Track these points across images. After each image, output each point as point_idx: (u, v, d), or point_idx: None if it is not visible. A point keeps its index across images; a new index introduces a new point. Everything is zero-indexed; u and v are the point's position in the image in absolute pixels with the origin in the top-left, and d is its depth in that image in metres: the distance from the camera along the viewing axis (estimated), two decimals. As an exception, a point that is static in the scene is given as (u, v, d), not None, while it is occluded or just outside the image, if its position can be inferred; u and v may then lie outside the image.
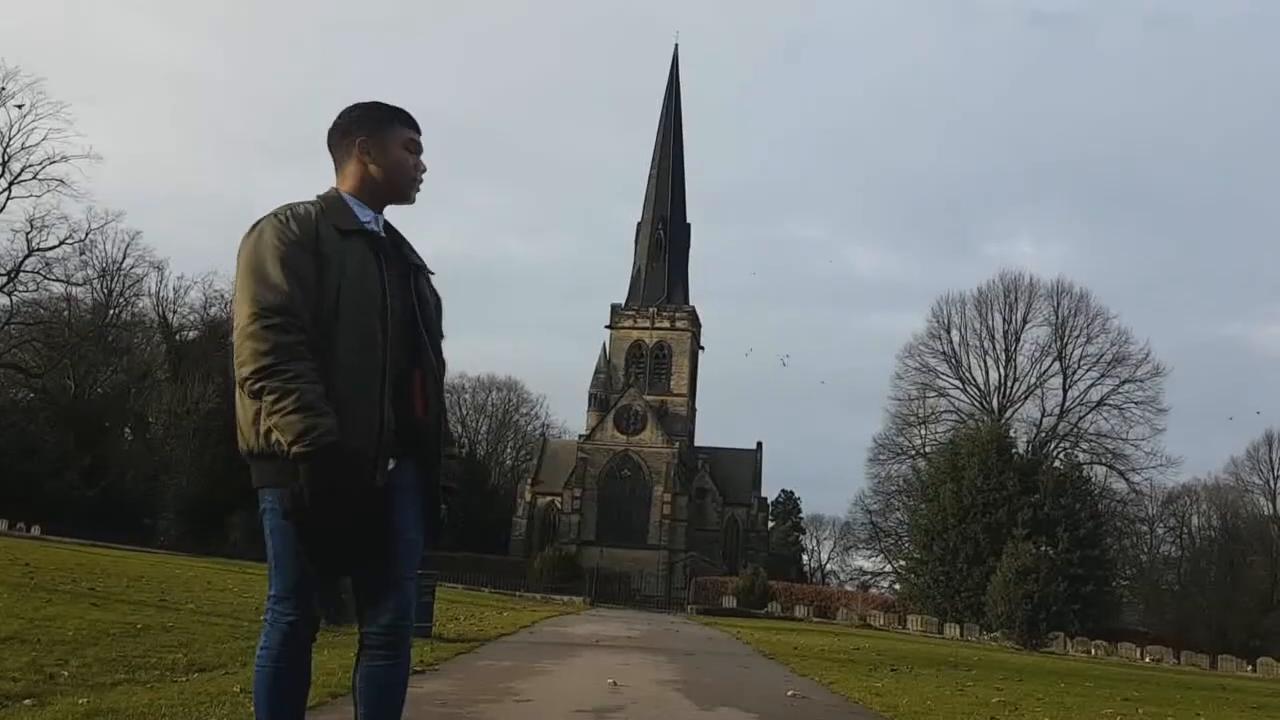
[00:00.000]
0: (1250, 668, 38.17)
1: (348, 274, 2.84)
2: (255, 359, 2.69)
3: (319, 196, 3.05)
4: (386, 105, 3.13)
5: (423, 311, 3.02)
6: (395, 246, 3.08)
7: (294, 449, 2.63)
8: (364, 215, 3.02)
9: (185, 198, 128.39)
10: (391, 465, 2.86)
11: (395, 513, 2.87)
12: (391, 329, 2.88)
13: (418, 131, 3.15)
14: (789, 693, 9.09)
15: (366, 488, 2.72)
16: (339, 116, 3.15)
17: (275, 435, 2.67)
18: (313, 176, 3.08)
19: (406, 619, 2.95)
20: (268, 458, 2.77)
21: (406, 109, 3.16)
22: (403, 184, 3.11)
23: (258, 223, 2.91)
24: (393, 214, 3.18)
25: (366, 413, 2.79)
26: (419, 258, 3.16)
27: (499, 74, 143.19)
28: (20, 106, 50.58)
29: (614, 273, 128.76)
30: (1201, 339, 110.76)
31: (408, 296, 2.98)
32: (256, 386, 2.68)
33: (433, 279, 3.21)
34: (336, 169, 3.13)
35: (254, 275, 2.78)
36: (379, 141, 3.07)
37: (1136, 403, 58.34)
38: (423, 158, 3.18)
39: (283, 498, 2.70)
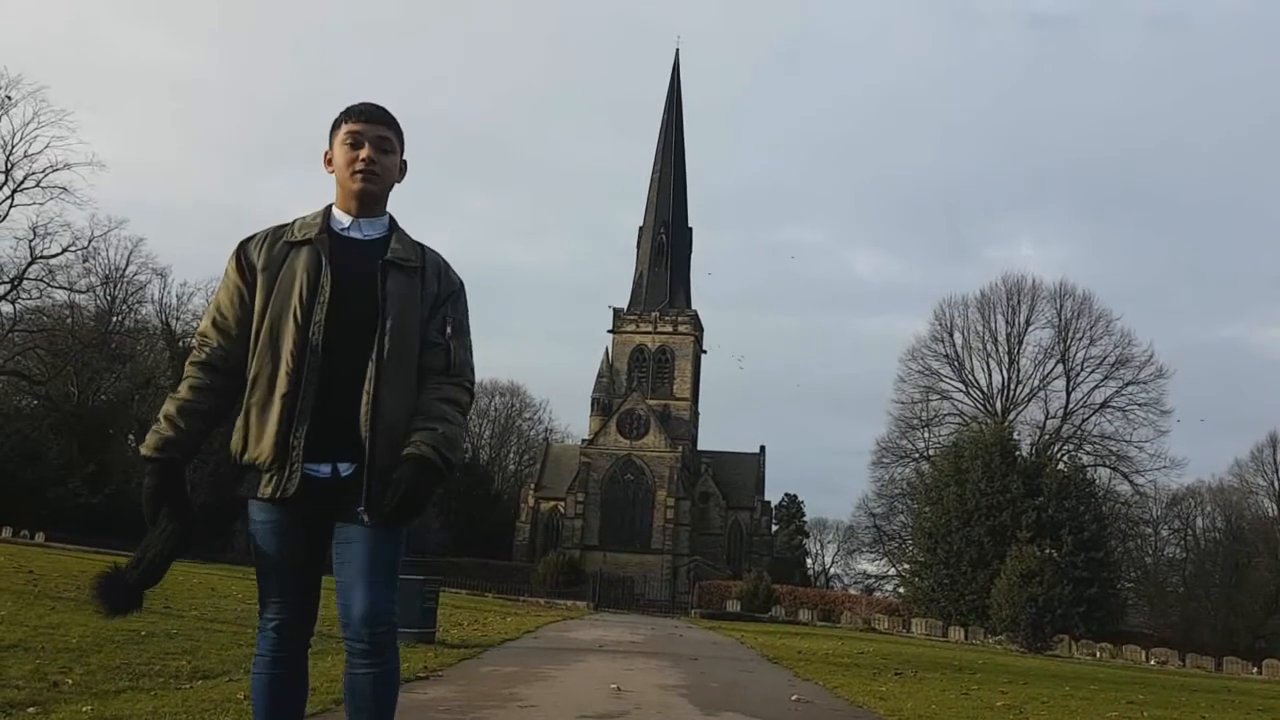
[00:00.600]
0: (1256, 670, 38.06)
1: (279, 286, 2.93)
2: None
3: (314, 211, 3.13)
4: (345, 109, 3.11)
5: (387, 308, 2.93)
6: (373, 246, 3.03)
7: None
8: (340, 222, 3.05)
9: (187, 204, 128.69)
10: (349, 471, 2.87)
11: (349, 518, 2.89)
12: (331, 332, 2.88)
13: (361, 121, 3.05)
14: (793, 697, 9.08)
15: (174, 505, 2.89)
16: None
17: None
18: (313, 181, 3.10)
19: (379, 624, 2.89)
20: (239, 469, 2.97)
21: (365, 102, 3.11)
22: (346, 181, 3.05)
23: None
24: (403, 216, 3.15)
25: (268, 421, 2.87)
26: (409, 251, 3.06)
27: (499, 79, 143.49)
28: (9, 98, 50.47)
29: (616, 277, 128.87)
30: (1202, 341, 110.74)
31: (366, 296, 2.92)
32: None
33: (435, 267, 3.11)
34: None
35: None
36: (331, 146, 3.11)
37: (1140, 405, 58.31)
38: (396, 155, 3.10)
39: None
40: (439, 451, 2.87)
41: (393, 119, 3.11)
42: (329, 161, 3.11)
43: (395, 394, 2.91)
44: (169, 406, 2.92)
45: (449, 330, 3.07)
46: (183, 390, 2.95)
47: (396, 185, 3.15)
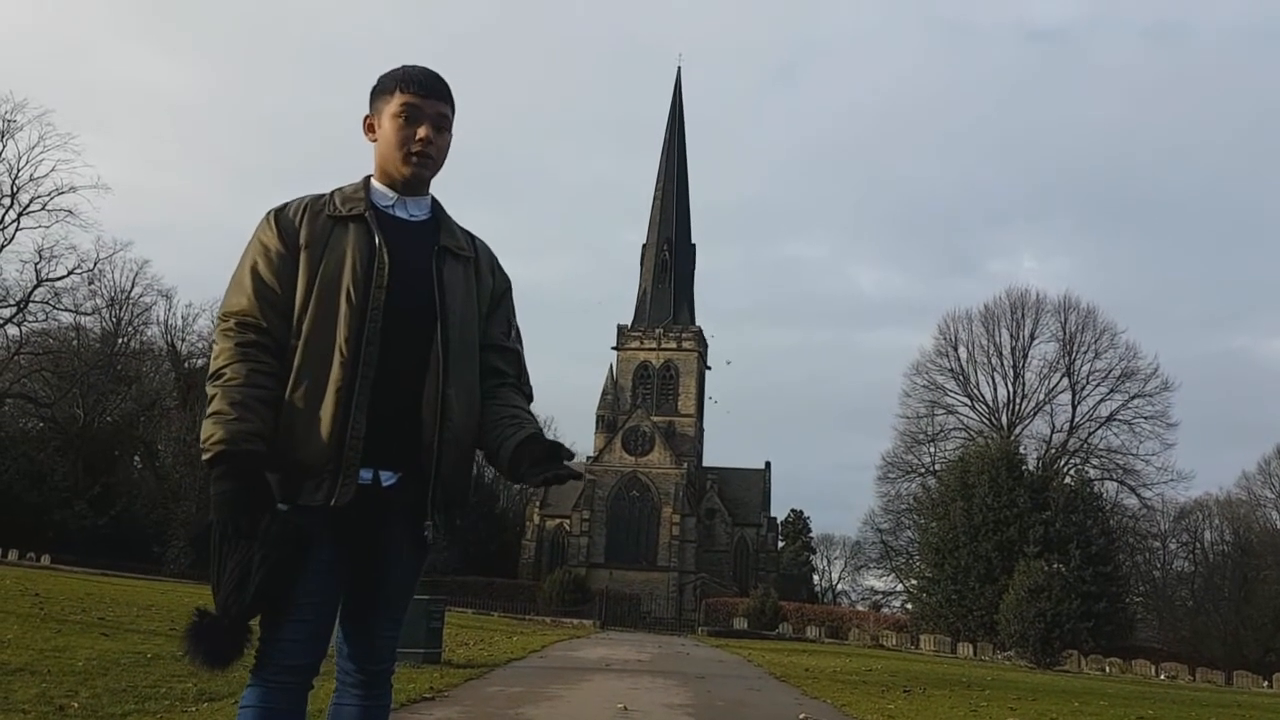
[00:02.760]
0: (1266, 683, 37.86)
1: (326, 264, 2.55)
2: (211, 365, 2.53)
3: (352, 183, 2.76)
4: (395, 70, 2.72)
5: (444, 299, 2.62)
6: (422, 229, 2.70)
7: (202, 455, 2.44)
8: (384, 197, 2.69)
9: (191, 225, 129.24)
10: (390, 480, 2.54)
11: (383, 538, 2.57)
12: (383, 321, 2.53)
13: (420, 94, 2.66)
14: (800, 716, 9.05)
15: (269, 509, 2.41)
16: None
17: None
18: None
19: (383, 662, 2.68)
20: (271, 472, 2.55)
21: (422, 68, 2.72)
22: (396, 161, 2.66)
23: None
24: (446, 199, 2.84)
25: (321, 416, 2.48)
26: (461, 239, 2.76)
27: (500, 97, 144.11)
28: (13, 121, 50.90)
29: (620, 294, 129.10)
30: (1208, 352, 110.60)
31: (421, 284, 2.61)
32: (209, 393, 2.49)
33: (489, 260, 2.83)
34: None
35: (231, 279, 2.61)
36: (377, 115, 2.70)
37: (1146, 418, 58.14)
38: (450, 134, 2.73)
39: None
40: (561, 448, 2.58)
41: (450, 92, 2.73)
42: (370, 129, 2.72)
43: (461, 397, 2.61)
44: (230, 394, 2.43)
45: (513, 333, 2.81)
46: (239, 374, 2.47)
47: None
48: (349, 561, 2.55)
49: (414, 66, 2.72)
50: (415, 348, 2.57)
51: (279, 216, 2.63)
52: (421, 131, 2.63)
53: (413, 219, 2.70)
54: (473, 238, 2.82)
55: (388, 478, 2.54)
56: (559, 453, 2.56)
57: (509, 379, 2.75)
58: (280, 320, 2.54)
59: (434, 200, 2.78)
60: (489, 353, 2.74)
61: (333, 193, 2.69)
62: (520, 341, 2.84)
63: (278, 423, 2.49)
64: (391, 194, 2.70)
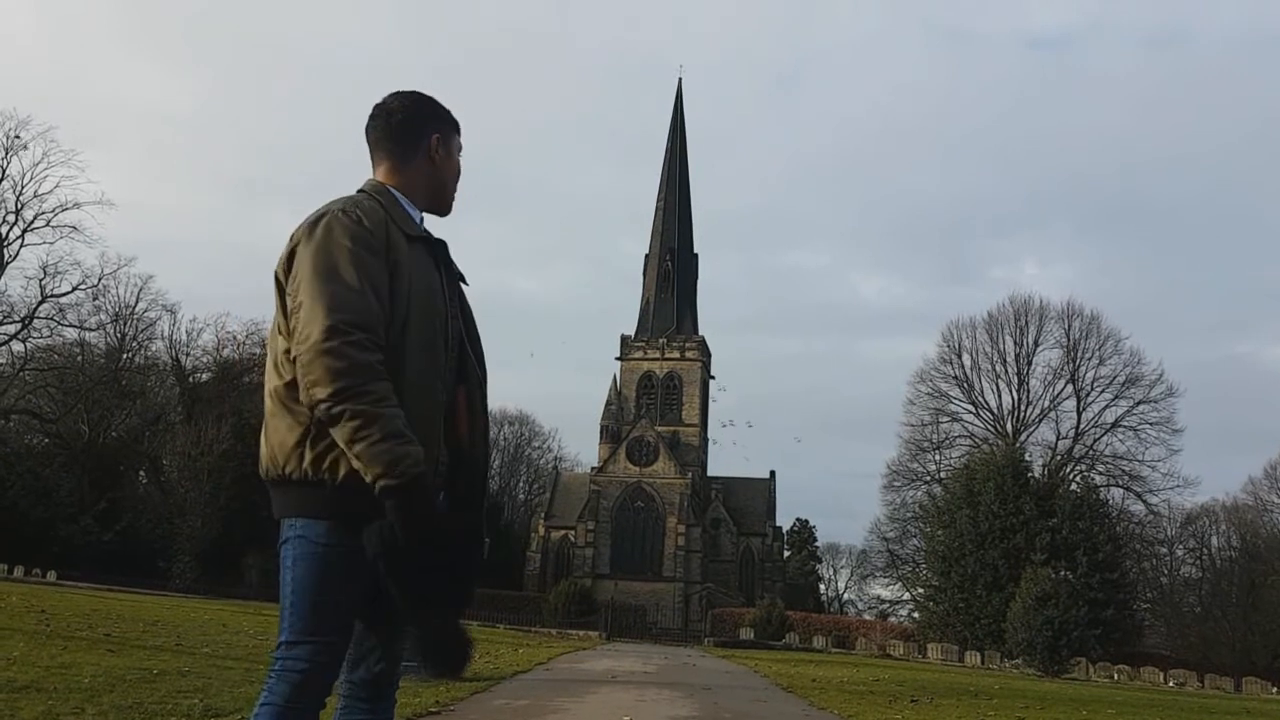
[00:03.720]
0: (1276, 689, 37.66)
1: (416, 284, 2.54)
2: (334, 379, 2.35)
3: (371, 191, 2.71)
4: (446, 107, 2.89)
5: (468, 325, 2.76)
6: (446, 254, 2.80)
7: (382, 482, 2.33)
8: (415, 217, 2.77)
9: (195, 240, 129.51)
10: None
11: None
12: (450, 346, 2.65)
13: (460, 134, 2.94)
14: (807, 726, 9.01)
15: (445, 521, 2.48)
16: (401, 102, 2.81)
17: (356, 465, 2.37)
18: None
19: (393, 684, 2.73)
20: (311, 485, 2.48)
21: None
22: (444, 189, 2.86)
23: (321, 216, 2.57)
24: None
25: (431, 439, 2.51)
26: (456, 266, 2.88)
27: (503, 109, 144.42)
28: (18, 138, 51.13)
29: (623, 305, 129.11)
30: (1212, 358, 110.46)
31: (460, 308, 2.76)
32: (337, 410, 2.34)
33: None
34: (386, 161, 2.79)
35: (328, 280, 2.43)
36: (448, 143, 2.85)
37: (1151, 424, 58.01)
38: None
39: (369, 537, 2.38)
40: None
41: None
42: (432, 157, 2.81)
43: (485, 414, 2.77)
44: (394, 414, 2.37)
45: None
46: (387, 393, 2.39)
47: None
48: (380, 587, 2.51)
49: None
50: (454, 367, 2.67)
51: (366, 215, 2.57)
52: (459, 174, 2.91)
53: (436, 240, 2.81)
54: None
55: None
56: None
57: None
58: (383, 332, 2.48)
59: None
60: None
61: (379, 203, 2.65)
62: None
63: None
64: (418, 213, 2.80)
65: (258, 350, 56.97)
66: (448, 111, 2.87)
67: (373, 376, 2.38)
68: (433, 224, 2.90)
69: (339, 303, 2.41)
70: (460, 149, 2.89)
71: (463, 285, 2.83)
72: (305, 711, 2.49)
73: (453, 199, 2.89)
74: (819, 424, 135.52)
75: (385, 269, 2.51)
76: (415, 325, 2.51)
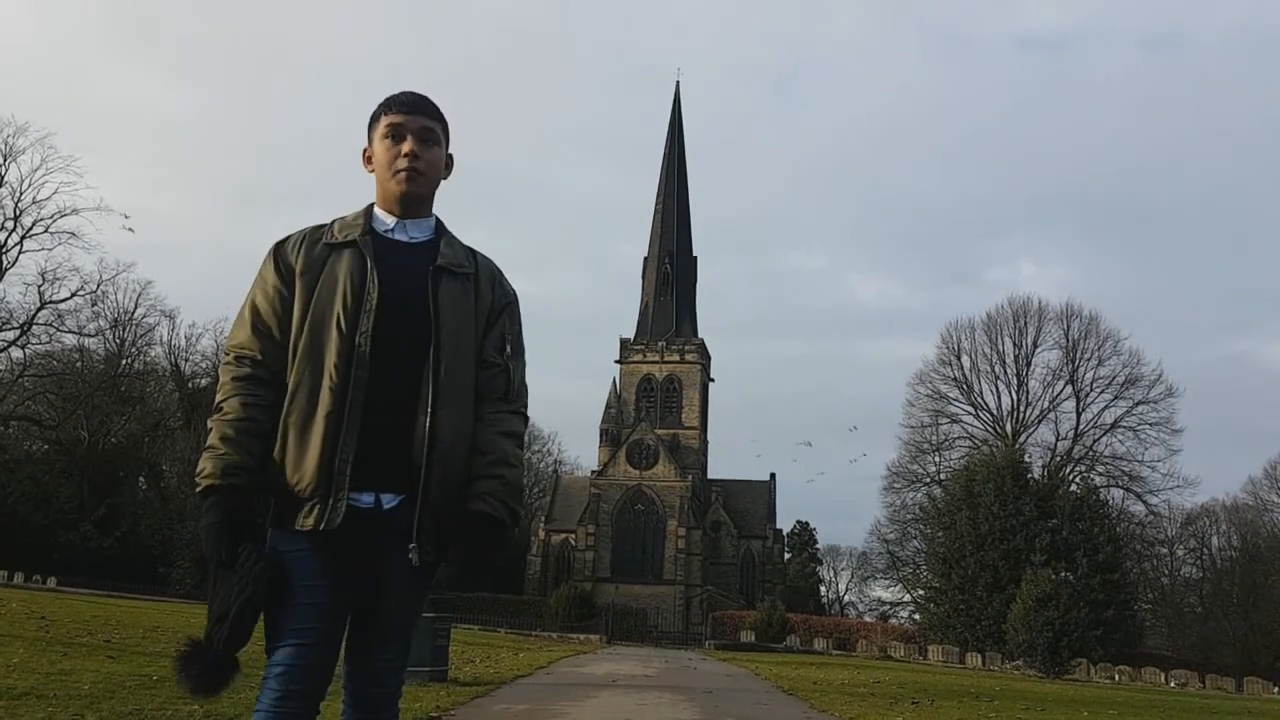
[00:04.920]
0: (1278, 689, 37.64)
1: (320, 292, 2.61)
2: (216, 399, 2.63)
3: (355, 211, 2.82)
4: (384, 99, 2.80)
5: (441, 320, 2.63)
6: (422, 251, 2.72)
7: (196, 488, 2.54)
8: (383, 223, 2.74)
9: (194, 246, 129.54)
10: (393, 503, 2.54)
11: (387, 562, 2.55)
12: (376, 345, 2.56)
13: (402, 112, 2.73)
14: (808, 729, 9.00)
15: (251, 542, 2.47)
16: None
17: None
18: (325, 218, 2.83)
19: (386, 686, 2.64)
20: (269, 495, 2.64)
21: (406, 91, 2.79)
22: (387, 181, 2.73)
23: None
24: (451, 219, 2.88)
25: (310, 442, 2.52)
26: (460, 256, 2.77)
27: (501, 114, 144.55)
28: (10, 144, 51.19)
29: (622, 308, 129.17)
30: (1210, 358, 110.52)
31: (416, 306, 2.63)
32: (208, 425, 2.61)
33: (490, 275, 2.82)
34: None
35: (237, 314, 2.71)
36: (371, 142, 2.79)
37: (1151, 424, 58.00)
38: (442, 149, 2.79)
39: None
40: (507, 505, 2.62)
41: (436, 109, 2.79)
42: (368, 159, 2.79)
43: (453, 418, 2.60)
44: (223, 429, 2.54)
45: (508, 349, 2.78)
46: (233, 408, 2.56)
47: (443, 182, 2.84)
48: (353, 587, 2.55)
49: (400, 91, 2.79)
50: (410, 370, 2.59)
51: (278, 250, 2.71)
52: (406, 147, 2.70)
53: (413, 241, 2.74)
54: (474, 254, 2.83)
55: (389, 500, 2.55)
56: (460, 549, 2.58)
57: (497, 396, 2.73)
58: (278, 352, 2.62)
59: (438, 221, 2.82)
60: (481, 370, 2.72)
61: (334, 221, 2.76)
62: (517, 356, 2.81)
63: (269, 454, 2.56)
64: (391, 219, 2.75)
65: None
66: (376, 108, 2.79)
67: (230, 394, 2.59)
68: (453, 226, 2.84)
69: (231, 330, 2.74)
70: (386, 129, 2.72)
71: (458, 278, 2.72)
72: (294, 713, 2.50)
73: (391, 184, 2.72)
74: (818, 426, 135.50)
75: (288, 290, 2.65)
76: (310, 329, 2.60)
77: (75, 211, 52.77)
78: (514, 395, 2.77)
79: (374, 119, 2.77)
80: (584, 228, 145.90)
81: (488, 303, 2.78)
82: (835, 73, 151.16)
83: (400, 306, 2.62)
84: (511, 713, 9.24)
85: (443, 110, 2.82)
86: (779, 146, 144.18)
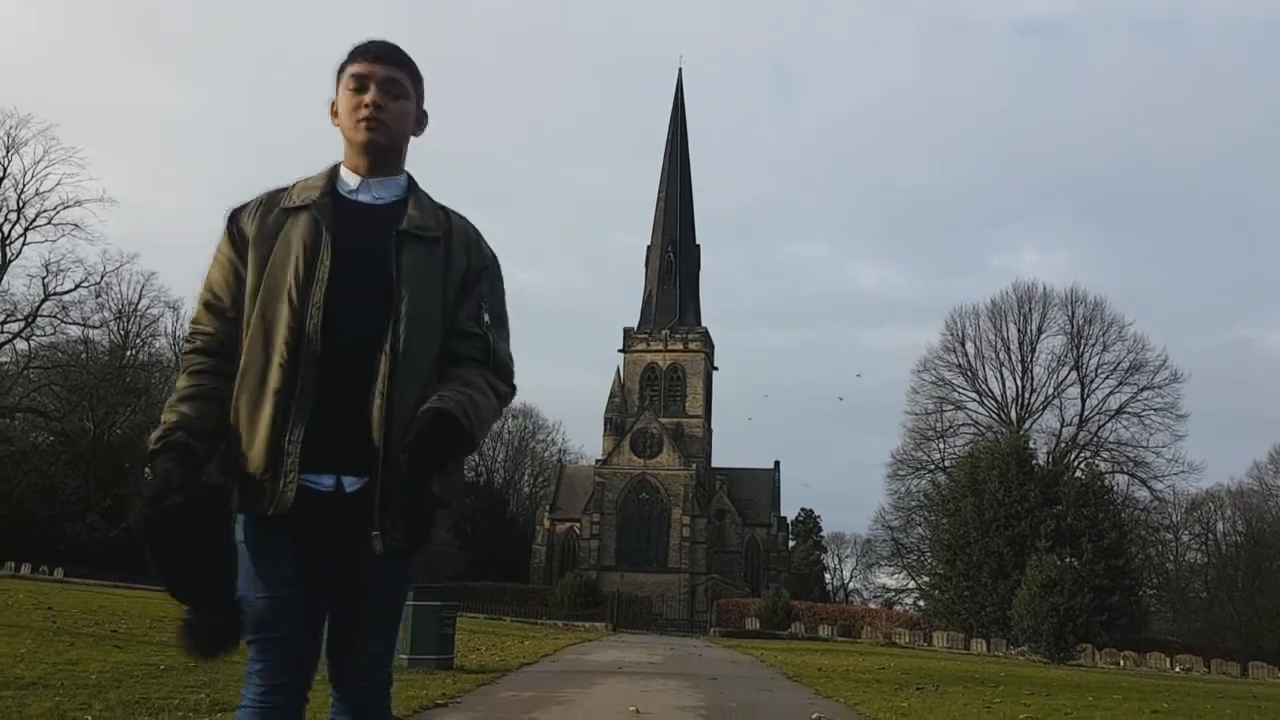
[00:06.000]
0: (1283, 674, 37.67)
1: (273, 261, 2.45)
2: None
3: (319, 171, 2.64)
4: (350, 48, 2.61)
5: (403, 289, 2.44)
6: (386, 213, 2.53)
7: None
8: (346, 184, 2.56)
9: (197, 236, 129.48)
10: (355, 486, 2.38)
11: (357, 548, 2.36)
12: (329, 317, 2.39)
13: (367, 61, 2.55)
14: (813, 716, 9.03)
15: (192, 503, 2.26)
16: None
17: None
18: None
19: (369, 679, 2.52)
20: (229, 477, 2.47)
21: (372, 39, 2.60)
22: (350, 131, 2.55)
23: None
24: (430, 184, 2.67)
25: (259, 422, 2.37)
26: (428, 218, 2.55)
27: (498, 104, 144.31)
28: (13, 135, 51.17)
29: (626, 297, 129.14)
30: (1214, 344, 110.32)
31: (376, 273, 2.44)
32: None
33: (464, 238, 2.60)
34: None
35: None
36: (336, 97, 2.61)
37: (1155, 410, 57.85)
38: (410, 101, 2.59)
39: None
40: (465, 410, 2.31)
41: (406, 58, 2.60)
42: (335, 113, 2.60)
43: (414, 395, 2.38)
44: (171, 399, 2.46)
45: (485, 317, 2.56)
46: (182, 381, 2.48)
47: (415, 139, 2.65)
48: (327, 574, 2.40)
49: (366, 40, 2.60)
50: (369, 345, 2.40)
51: (233, 218, 2.56)
52: (369, 96, 2.51)
53: (378, 202, 2.55)
54: (448, 213, 2.62)
55: (352, 483, 2.38)
56: (408, 441, 2.30)
57: (474, 361, 2.51)
58: (231, 328, 2.49)
59: (410, 180, 2.63)
60: (454, 338, 2.51)
61: (295, 183, 2.58)
62: (498, 325, 2.59)
63: (223, 417, 2.42)
64: (356, 178, 2.57)
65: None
66: (346, 55, 2.60)
67: (186, 366, 2.52)
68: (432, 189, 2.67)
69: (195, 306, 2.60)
70: (349, 80, 2.55)
71: (422, 241, 2.51)
72: (277, 705, 2.44)
73: (353, 134, 2.54)
74: (822, 414, 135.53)
75: (242, 255, 2.51)
76: (261, 301, 2.44)
77: (78, 203, 52.80)
78: (491, 361, 2.53)
79: (340, 69, 2.59)
80: (587, 217, 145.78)
81: (461, 268, 2.56)
82: (836, 61, 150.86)
83: (358, 276, 2.43)
84: (518, 700, 9.27)
85: (417, 63, 2.63)
86: (779, 137, 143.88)
